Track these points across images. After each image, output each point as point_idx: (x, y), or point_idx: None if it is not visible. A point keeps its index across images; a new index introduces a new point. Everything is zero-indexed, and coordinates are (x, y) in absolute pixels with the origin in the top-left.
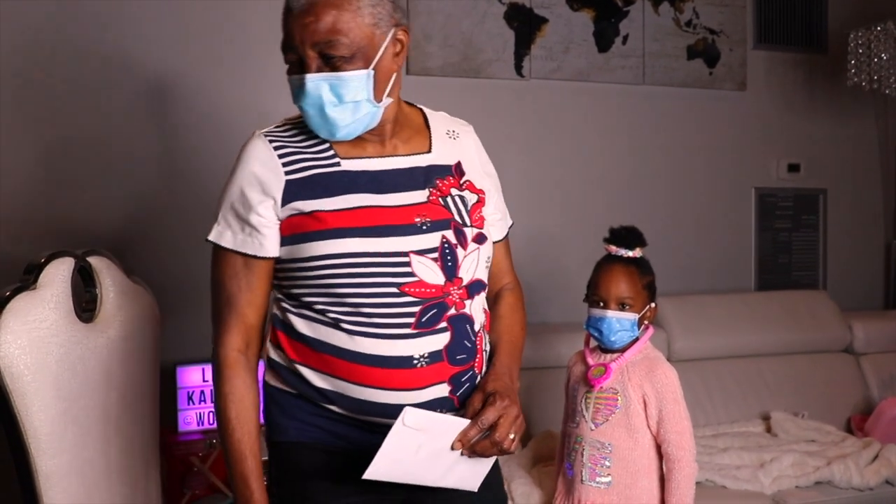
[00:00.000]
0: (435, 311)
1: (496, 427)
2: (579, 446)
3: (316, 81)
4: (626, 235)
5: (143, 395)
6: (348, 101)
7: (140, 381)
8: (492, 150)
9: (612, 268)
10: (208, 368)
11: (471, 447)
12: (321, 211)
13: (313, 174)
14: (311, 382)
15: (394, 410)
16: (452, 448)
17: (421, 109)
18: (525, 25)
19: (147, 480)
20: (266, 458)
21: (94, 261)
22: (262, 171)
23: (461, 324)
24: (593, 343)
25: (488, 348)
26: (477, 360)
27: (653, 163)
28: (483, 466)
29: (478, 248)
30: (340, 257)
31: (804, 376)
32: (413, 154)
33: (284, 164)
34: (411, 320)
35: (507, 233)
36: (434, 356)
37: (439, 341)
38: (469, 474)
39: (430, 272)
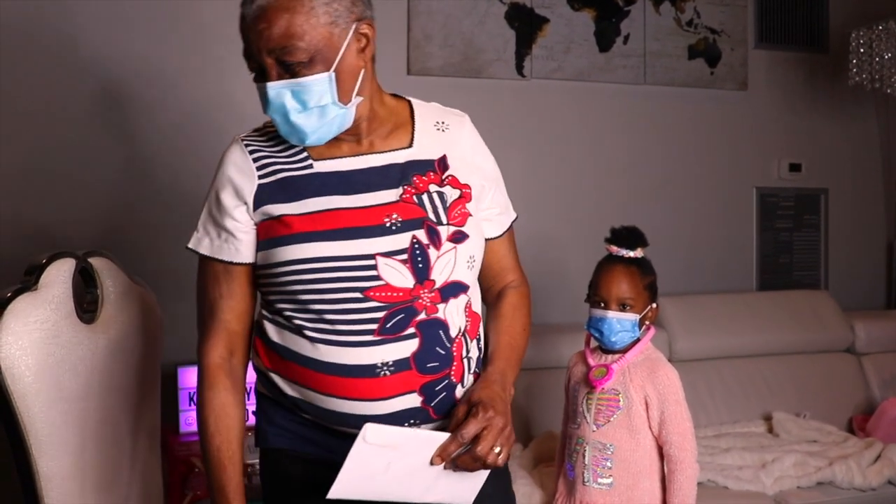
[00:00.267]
0: (402, 316)
1: (478, 440)
2: (581, 447)
3: (277, 89)
4: (628, 235)
5: (144, 396)
6: (312, 106)
7: (141, 381)
8: (493, 149)
9: (612, 268)
10: None
11: (454, 462)
12: (289, 215)
13: (283, 177)
14: (282, 390)
15: (358, 421)
16: (432, 463)
17: (409, 102)
18: (526, 25)
19: (148, 481)
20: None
21: (95, 261)
22: (237, 175)
23: (432, 329)
24: (594, 343)
25: (474, 354)
26: (453, 367)
27: (654, 163)
28: (475, 480)
29: (454, 247)
30: (305, 262)
31: (806, 376)
32: (391, 150)
33: (258, 168)
34: (374, 326)
35: (510, 227)
36: (400, 364)
37: (406, 348)
38: (459, 489)
39: (397, 275)
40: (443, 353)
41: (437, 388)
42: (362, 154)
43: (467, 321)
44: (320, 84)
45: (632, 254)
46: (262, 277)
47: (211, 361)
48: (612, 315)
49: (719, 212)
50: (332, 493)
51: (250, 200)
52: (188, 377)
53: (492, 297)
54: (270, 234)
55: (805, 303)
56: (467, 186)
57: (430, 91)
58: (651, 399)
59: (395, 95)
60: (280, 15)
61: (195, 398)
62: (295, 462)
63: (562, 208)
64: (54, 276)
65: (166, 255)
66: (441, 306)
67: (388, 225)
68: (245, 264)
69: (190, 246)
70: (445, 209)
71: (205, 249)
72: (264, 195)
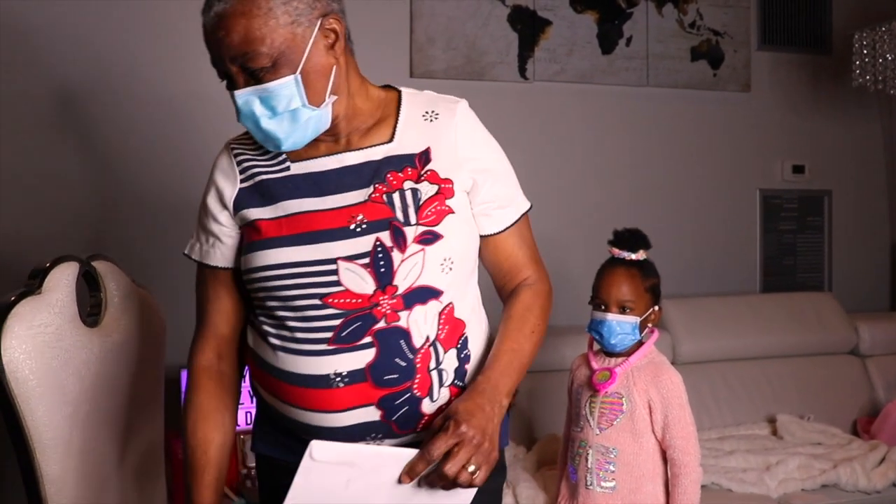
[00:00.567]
0: (359, 324)
1: (448, 457)
2: (584, 451)
3: (245, 97)
4: (629, 238)
5: (147, 400)
6: (282, 111)
7: (145, 385)
8: None
9: (613, 271)
10: None
11: (426, 481)
12: (262, 220)
13: (260, 181)
14: (263, 398)
15: (319, 433)
16: (400, 482)
17: (399, 93)
18: (528, 28)
19: (152, 485)
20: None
21: (98, 265)
22: (222, 180)
23: (392, 339)
24: (597, 346)
25: (450, 365)
26: (416, 380)
27: (657, 165)
28: (459, 500)
29: (422, 249)
30: (270, 269)
31: (810, 378)
32: (370, 147)
33: (240, 172)
34: (329, 335)
35: (517, 221)
36: (355, 375)
37: (361, 359)
38: None
39: (358, 280)
40: (403, 364)
41: (396, 402)
42: (338, 153)
43: (440, 330)
44: (287, 88)
45: (633, 256)
46: (244, 283)
47: (196, 364)
48: (612, 317)
49: (723, 213)
50: None
51: (231, 205)
52: None
53: (506, 297)
54: (246, 239)
55: (809, 305)
56: (448, 181)
57: None
58: (654, 403)
59: (387, 87)
60: (237, 21)
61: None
62: (279, 470)
63: (565, 210)
64: (58, 279)
65: (170, 258)
66: (404, 314)
67: (352, 227)
68: (230, 269)
69: (185, 251)
70: (417, 208)
71: (196, 254)
72: (243, 199)
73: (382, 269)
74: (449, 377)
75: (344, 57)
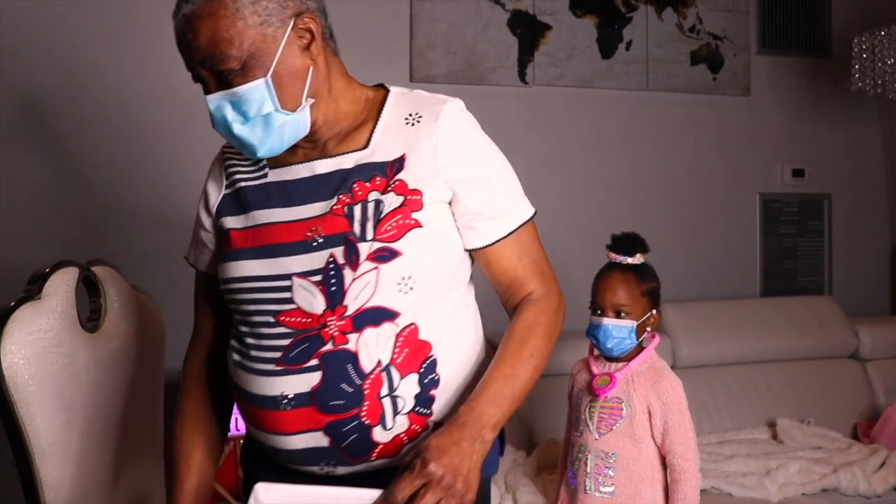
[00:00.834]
0: (306, 345)
1: (413, 501)
2: (583, 455)
3: (216, 101)
4: (626, 242)
5: (147, 405)
6: (254, 116)
7: (145, 390)
8: None
9: (609, 275)
10: None
11: None
12: (233, 229)
13: (239, 188)
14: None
15: (273, 453)
16: None
17: (387, 93)
18: (528, 32)
19: (152, 490)
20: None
21: (98, 270)
22: (211, 186)
23: (338, 363)
24: (597, 351)
25: (407, 391)
26: (364, 407)
27: (657, 169)
28: None
29: (376, 267)
30: (234, 281)
31: (810, 382)
32: (344, 153)
33: (226, 178)
34: (278, 354)
35: (513, 231)
36: (301, 399)
37: (307, 382)
38: None
39: (309, 298)
40: (349, 390)
41: (344, 430)
42: (313, 160)
43: (396, 353)
44: (258, 91)
45: (630, 260)
46: None
47: (187, 369)
48: (608, 322)
49: (722, 217)
50: None
51: (214, 212)
52: None
53: (510, 313)
54: (222, 248)
55: (809, 309)
56: (416, 192)
57: None
58: (654, 408)
59: (379, 86)
60: (203, 23)
61: None
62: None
63: (564, 215)
64: (57, 285)
65: (170, 263)
66: (353, 336)
67: (310, 241)
68: (210, 274)
69: (185, 255)
70: (377, 221)
71: (192, 258)
72: (224, 207)
73: (333, 288)
74: (407, 404)
75: (322, 57)
